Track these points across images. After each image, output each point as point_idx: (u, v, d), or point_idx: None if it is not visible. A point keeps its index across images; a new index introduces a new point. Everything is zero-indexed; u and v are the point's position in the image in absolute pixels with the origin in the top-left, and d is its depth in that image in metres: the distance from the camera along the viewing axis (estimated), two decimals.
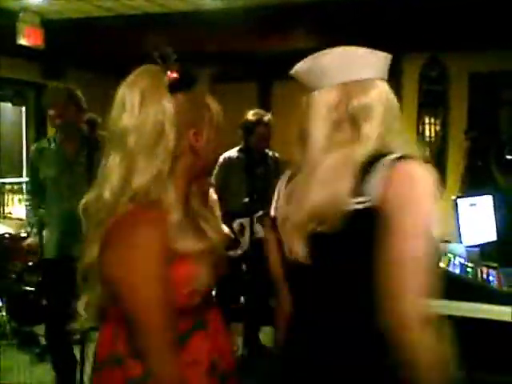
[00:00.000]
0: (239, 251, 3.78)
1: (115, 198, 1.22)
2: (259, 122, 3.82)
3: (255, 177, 3.79)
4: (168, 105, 1.22)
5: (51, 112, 3.05)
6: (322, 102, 1.25)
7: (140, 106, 1.21)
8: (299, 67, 1.31)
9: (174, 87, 1.25)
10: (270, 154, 4.05)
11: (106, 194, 1.22)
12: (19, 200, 4.87)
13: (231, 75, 6.59)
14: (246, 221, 3.73)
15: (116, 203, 1.21)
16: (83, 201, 1.28)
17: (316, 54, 1.29)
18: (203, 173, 1.38)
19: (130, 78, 1.26)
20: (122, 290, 1.17)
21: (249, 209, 3.60)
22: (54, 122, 3.10)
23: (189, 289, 1.23)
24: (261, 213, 3.58)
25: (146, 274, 1.16)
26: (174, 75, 1.26)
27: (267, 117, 3.88)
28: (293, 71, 1.32)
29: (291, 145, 1.32)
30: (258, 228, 3.64)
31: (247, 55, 6.00)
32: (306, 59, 1.30)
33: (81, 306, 1.28)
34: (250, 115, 3.86)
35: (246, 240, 3.75)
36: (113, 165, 1.23)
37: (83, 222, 1.28)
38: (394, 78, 5.74)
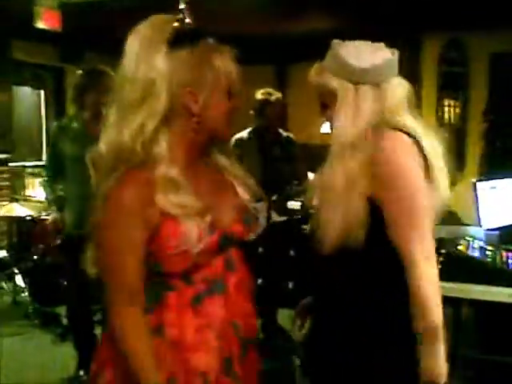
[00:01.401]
0: (253, 235, 3.74)
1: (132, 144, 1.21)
2: (267, 101, 3.73)
3: (267, 159, 3.72)
4: (161, 62, 1.18)
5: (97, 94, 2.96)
6: (399, 93, 1.35)
7: (136, 59, 1.20)
8: (368, 62, 1.33)
9: (176, 41, 1.20)
10: (284, 134, 3.94)
11: (125, 138, 1.21)
12: (40, 183, 4.90)
13: (247, 58, 6.54)
14: (259, 205, 3.69)
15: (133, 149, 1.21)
16: (94, 151, 1.28)
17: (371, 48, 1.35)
18: (212, 135, 1.31)
19: (139, 25, 1.24)
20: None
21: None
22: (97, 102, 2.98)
23: (177, 249, 1.19)
24: (275, 197, 3.51)
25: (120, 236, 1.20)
26: (177, 26, 1.22)
27: (275, 96, 3.77)
28: (366, 65, 1.33)
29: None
30: (272, 213, 3.55)
31: (264, 38, 5.94)
32: (361, 52, 1.34)
33: (88, 260, 1.29)
34: (259, 94, 3.76)
35: (260, 224, 3.73)
36: (110, 115, 1.25)
37: (93, 175, 1.29)
38: (414, 59, 5.66)
